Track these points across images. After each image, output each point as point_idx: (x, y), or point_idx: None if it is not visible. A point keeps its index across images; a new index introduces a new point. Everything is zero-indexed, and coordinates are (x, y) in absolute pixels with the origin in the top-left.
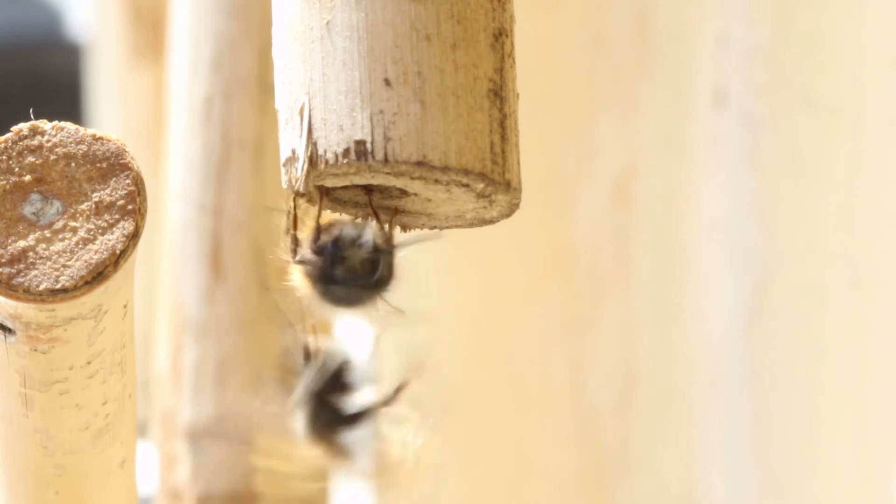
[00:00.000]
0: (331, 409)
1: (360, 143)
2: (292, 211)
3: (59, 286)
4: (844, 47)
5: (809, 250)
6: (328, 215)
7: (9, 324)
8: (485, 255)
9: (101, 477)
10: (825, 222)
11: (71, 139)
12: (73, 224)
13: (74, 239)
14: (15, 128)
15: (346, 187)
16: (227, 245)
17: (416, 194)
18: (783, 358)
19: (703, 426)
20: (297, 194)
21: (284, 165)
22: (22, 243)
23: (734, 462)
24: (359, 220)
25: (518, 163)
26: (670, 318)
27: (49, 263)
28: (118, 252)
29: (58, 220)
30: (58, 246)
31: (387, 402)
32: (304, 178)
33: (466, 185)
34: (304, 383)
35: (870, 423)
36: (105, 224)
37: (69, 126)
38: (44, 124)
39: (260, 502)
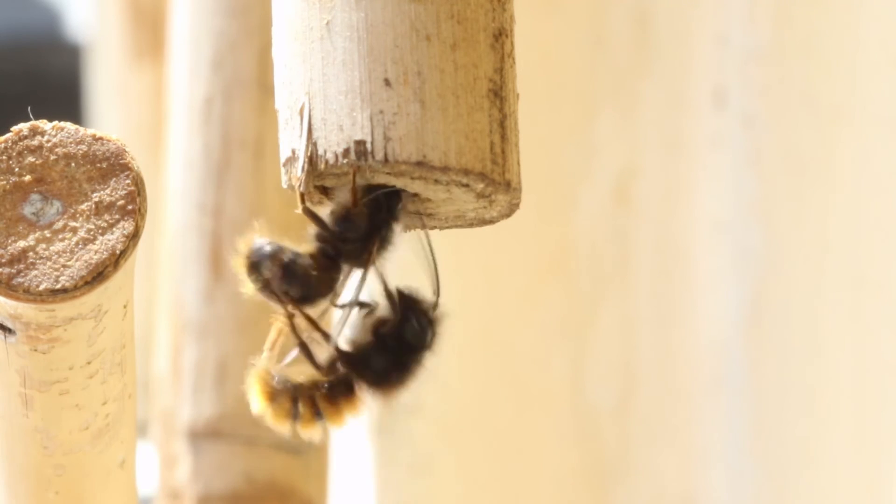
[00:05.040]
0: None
1: (360, 143)
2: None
3: (59, 286)
4: (844, 47)
5: (809, 250)
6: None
7: (9, 324)
8: (485, 255)
9: (101, 477)
10: (825, 222)
11: (71, 139)
12: (73, 224)
13: (74, 239)
14: (15, 128)
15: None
16: (227, 245)
17: (416, 194)
18: (783, 358)
19: (703, 426)
20: (299, 195)
21: (284, 165)
22: (22, 243)
23: (734, 462)
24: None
25: (518, 163)
26: (670, 318)
27: (49, 263)
28: (118, 252)
29: (58, 220)
30: (58, 246)
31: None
32: (304, 178)
33: (466, 185)
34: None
35: (870, 423)
36: (105, 224)
37: (69, 126)
38: (44, 124)
39: (260, 502)
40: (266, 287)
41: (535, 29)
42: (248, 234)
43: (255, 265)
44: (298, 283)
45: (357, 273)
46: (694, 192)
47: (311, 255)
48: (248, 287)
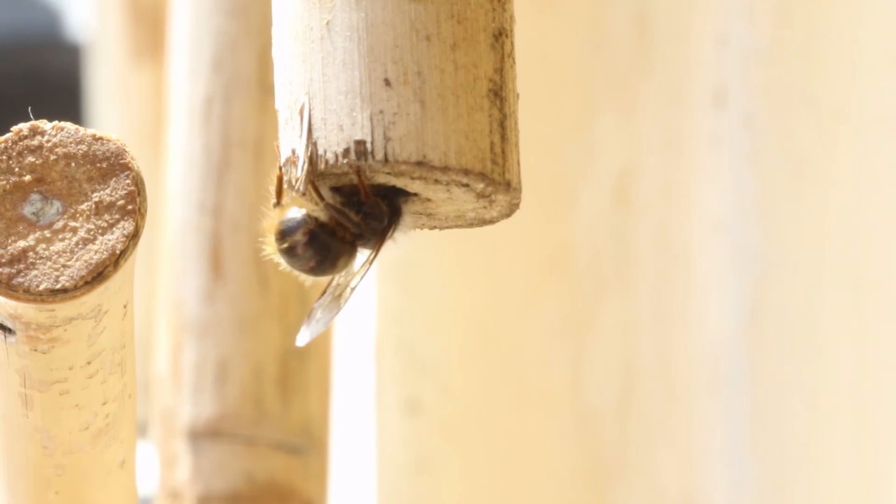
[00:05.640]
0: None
1: (360, 143)
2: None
3: (59, 286)
4: (844, 47)
5: (809, 250)
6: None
7: (9, 324)
8: (485, 255)
9: (101, 477)
10: (825, 222)
11: (71, 139)
12: (73, 224)
13: (74, 239)
14: (15, 128)
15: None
16: (227, 245)
17: (416, 194)
18: (783, 358)
19: (703, 426)
20: (299, 194)
21: (284, 165)
22: (22, 243)
23: (734, 462)
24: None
25: (518, 163)
26: (670, 318)
27: (49, 263)
28: (118, 252)
29: (58, 220)
30: (58, 246)
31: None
32: (304, 178)
33: (466, 185)
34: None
35: (869, 423)
36: (105, 224)
37: (69, 126)
38: (44, 124)
39: (260, 502)
40: (289, 251)
41: (535, 29)
42: (285, 205)
43: (286, 231)
44: (319, 253)
45: (365, 254)
46: (694, 192)
47: (334, 233)
48: (271, 248)
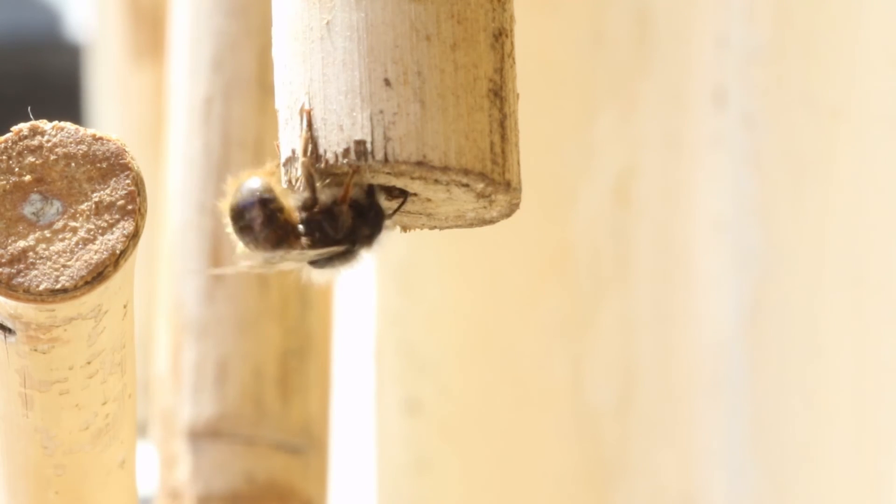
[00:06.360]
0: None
1: (360, 143)
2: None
3: (59, 286)
4: (844, 47)
5: (809, 250)
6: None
7: (9, 324)
8: (485, 255)
9: (101, 477)
10: (825, 222)
11: (71, 139)
12: (73, 224)
13: (74, 239)
14: (15, 128)
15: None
16: (227, 245)
17: (416, 194)
18: (783, 358)
19: (703, 426)
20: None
21: (284, 165)
22: (22, 243)
23: (734, 462)
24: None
25: (518, 163)
26: (670, 318)
27: (49, 263)
28: (118, 252)
29: (58, 220)
30: (58, 246)
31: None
32: (303, 178)
33: (466, 185)
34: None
35: (869, 422)
36: (105, 224)
37: (69, 126)
38: (44, 124)
39: (260, 502)
40: (234, 212)
41: (535, 29)
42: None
43: (244, 188)
44: (264, 222)
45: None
46: (694, 192)
47: (288, 218)
48: (223, 205)
